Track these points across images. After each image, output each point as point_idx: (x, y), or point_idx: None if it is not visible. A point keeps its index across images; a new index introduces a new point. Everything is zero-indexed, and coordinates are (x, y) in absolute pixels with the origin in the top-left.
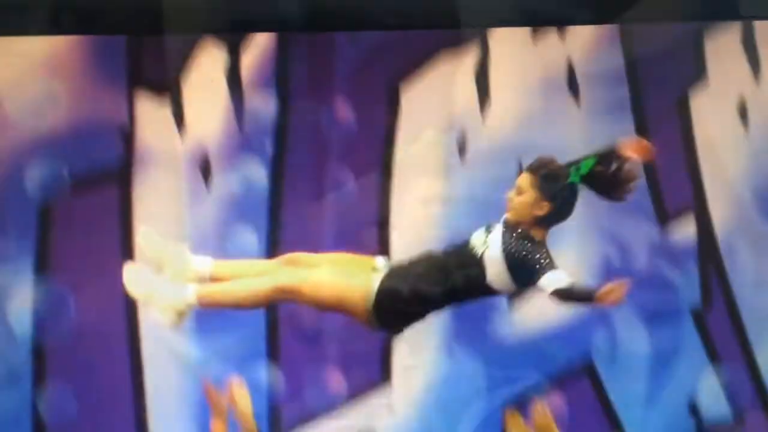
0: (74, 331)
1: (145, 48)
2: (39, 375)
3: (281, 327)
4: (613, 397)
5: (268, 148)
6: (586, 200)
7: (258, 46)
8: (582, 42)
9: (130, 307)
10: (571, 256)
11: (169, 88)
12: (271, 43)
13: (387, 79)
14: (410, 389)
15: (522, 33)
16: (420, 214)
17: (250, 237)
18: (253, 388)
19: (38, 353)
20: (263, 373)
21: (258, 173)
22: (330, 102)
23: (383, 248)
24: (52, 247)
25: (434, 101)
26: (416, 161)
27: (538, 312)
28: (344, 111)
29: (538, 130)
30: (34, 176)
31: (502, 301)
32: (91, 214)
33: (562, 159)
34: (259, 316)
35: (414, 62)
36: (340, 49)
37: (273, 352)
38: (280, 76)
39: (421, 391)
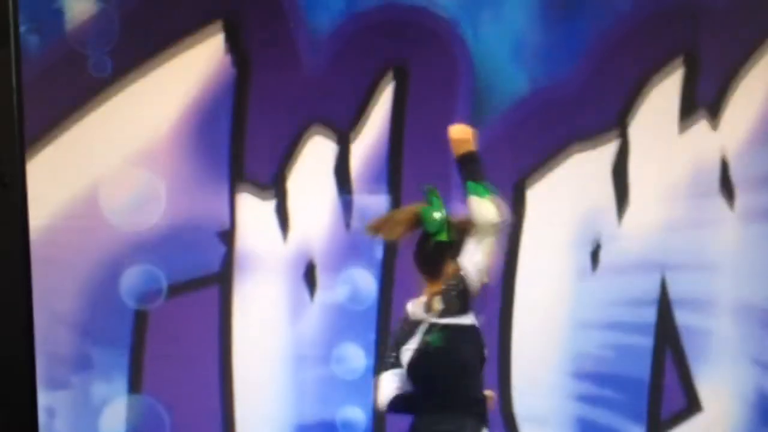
0: None
1: (248, 143)
2: None
3: None
4: None
5: (378, 253)
6: (736, 331)
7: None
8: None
9: (227, 424)
10: (724, 390)
11: (272, 183)
12: (384, 132)
13: (510, 176)
14: None
15: (669, 123)
16: (543, 337)
17: (356, 351)
18: None
19: None
20: None
21: (366, 280)
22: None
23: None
24: (148, 358)
25: (563, 203)
26: (540, 275)
27: None
28: (463, 212)
29: (684, 238)
30: (130, 280)
31: None
32: (189, 322)
33: (714, 274)
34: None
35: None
36: None
37: None
38: (392, 174)
39: None
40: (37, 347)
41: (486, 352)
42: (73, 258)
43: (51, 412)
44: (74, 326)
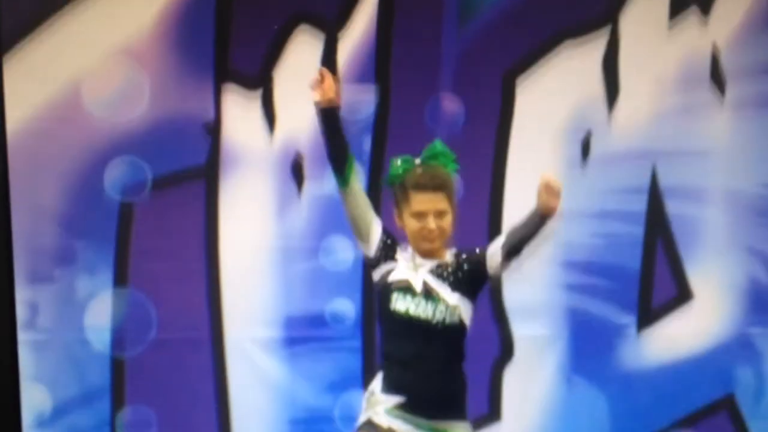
0: (155, 345)
1: (234, 34)
2: (118, 393)
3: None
4: None
5: (366, 146)
6: (730, 219)
7: (357, 34)
8: (729, 27)
9: (214, 317)
10: (715, 278)
11: (259, 81)
12: (371, 29)
13: (501, 70)
14: (522, 423)
15: (658, 15)
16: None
17: (344, 244)
18: (346, 418)
19: (117, 369)
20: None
21: None
22: (435, 94)
23: None
24: (133, 253)
25: (554, 93)
26: (532, 165)
27: (670, 340)
28: (451, 106)
29: (674, 129)
30: (114, 175)
31: (629, 328)
32: (174, 216)
33: (704, 164)
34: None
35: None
36: (447, 35)
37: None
38: (381, 65)
39: (535, 425)
40: (20, 242)
41: None
42: (57, 151)
43: (34, 307)
44: (58, 220)
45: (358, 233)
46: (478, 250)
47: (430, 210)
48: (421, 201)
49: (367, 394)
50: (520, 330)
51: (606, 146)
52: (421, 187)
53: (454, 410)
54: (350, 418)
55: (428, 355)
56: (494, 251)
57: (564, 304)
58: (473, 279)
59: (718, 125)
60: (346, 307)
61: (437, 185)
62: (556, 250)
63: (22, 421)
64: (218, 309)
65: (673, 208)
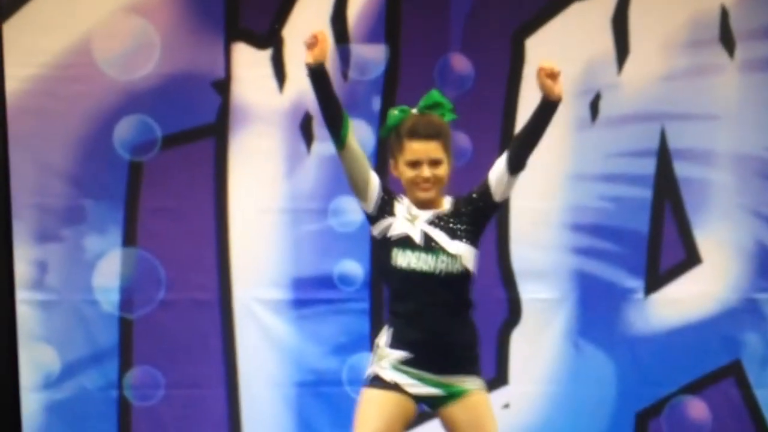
0: (163, 305)
1: None
2: (126, 353)
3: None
4: (762, 403)
5: (376, 105)
6: (739, 182)
7: None
8: None
9: (223, 277)
10: (723, 242)
11: (269, 39)
12: None
13: (510, 30)
14: (529, 387)
15: None
16: (541, 190)
17: (352, 206)
18: (354, 381)
19: (125, 329)
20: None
21: (364, 132)
22: (445, 54)
23: (500, 229)
24: (142, 212)
25: (563, 53)
26: None
27: (677, 304)
28: (461, 65)
29: (683, 91)
30: (123, 133)
31: (636, 292)
32: (183, 176)
33: (712, 127)
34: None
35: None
36: None
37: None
38: (390, 25)
39: (541, 388)
40: (28, 200)
41: None
42: (66, 108)
43: (43, 266)
44: (67, 178)
45: (357, 191)
46: (477, 186)
47: (424, 158)
48: (415, 149)
49: (374, 347)
50: (528, 293)
51: (615, 108)
52: (416, 134)
53: (463, 364)
54: (358, 381)
55: (433, 308)
56: (498, 175)
57: (571, 268)
58: (477, 218)
59: (727, 88)
60: (355, 269)
61: (432, 133)
62: (563, 213)
63: (21, 382)
64: (227, 270)
65: (681, 171)
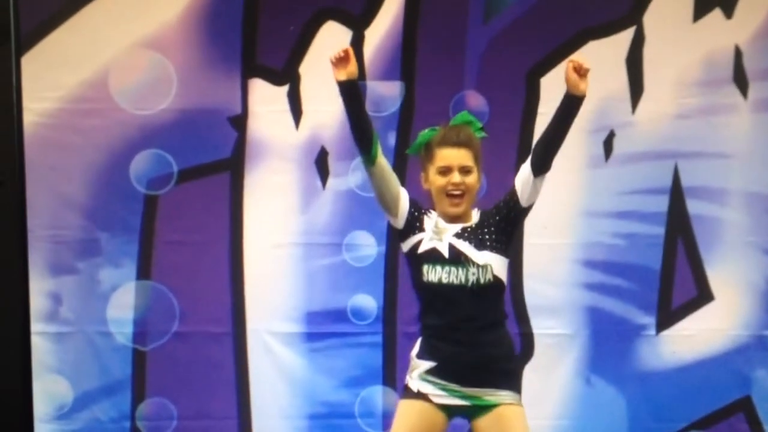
0: (177, 337)
1: (261, 29)
2: (139, 385)
3: (399, 353)
4: None
5: (391, 140)
6: (748, 221)
7: (383, 29)
8: (751, 29)
9: (237, 311)
10: (734, 279)
11: (286, 75)
12: (397, 26)
13: (525, 69)
14: (542, 421)
15: (683, 16)
16: (554, 226)
17: (367, 240)
18: (366, 414)
19: (139, 361)
20: (378, 398)
21: None
22: (460, 91)
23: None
24: (157, 245)
25: None
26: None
27: (688, 341)
28: (476, 102)
29: (696, 130)
30: (139, 167)
31: (648, 328)
32: (198, 210)
33: (725, 165)
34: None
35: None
36: (472, 33)
37: (389, 378)
38: (406, 62)
39: (553, 423)
40: (44, 233)
41: None
42: (83, 142)
43: (57, 299)
44: (83, 211)
45: (386, 207)
46: (504, 195)
47: (455, 164)
48: (446, 156)
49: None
50: (540, 329)
51: (628, 146)
52: (447, 142)
53: (495, 377)
54: (370, 414)
55: (465, 322)
56: (524, 179)
57: (584, 304)
58: (505, 226)
59: (740, 127)
60: (368, 302)
61: (462, 141)
62: (577, 249)
63: (34, 413)
64: (240, 303)
65: (693, 208)
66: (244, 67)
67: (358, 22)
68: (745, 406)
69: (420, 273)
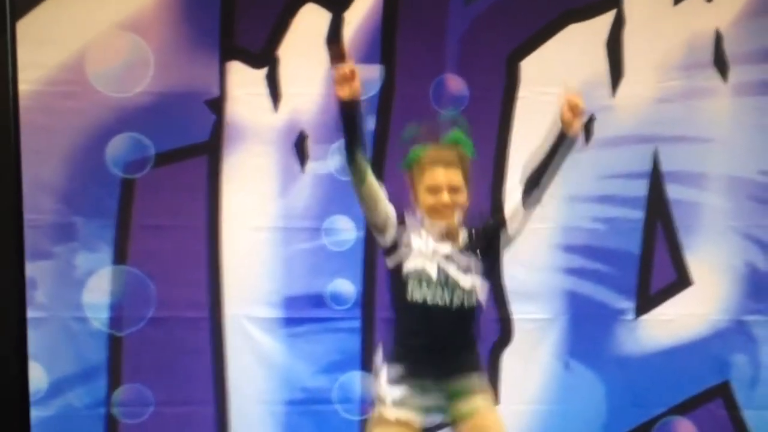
0: (154, 323)
1: (239, 11)
2: (115, 371)
3: (377, 338)
4: (750, 425)
5: (371, 124)
6: (728, 205)
7: (363, 11)
8: (732, 13)
9: (214, 296)
10: (713, 264)
11: (264, 58)
12: (377, 9)
13: (505, 52)
14: (520, 405)
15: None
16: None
17: (345, 224)
18: (345, 399)
19: (115, 347)
20: (356, 383)
21: None
22: (440, 75)
23: None
24: (134, 230)
25: (557, 75)
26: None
27: (667, 325)
28: (456, 85)
29: (676, 113)
30: (116, 151)
31: (627, 313)
32: (176, 194)
33: (705, 149)
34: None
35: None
36: (453, 15)
37: (367, 363)
38: (386, 45)
39: (532, 408)
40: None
41: None
42: (59, 124)
43: (33, 283)
44: (58, 195)
45: (374, 225)
46: (492, 221)
47: (444, 184)
48: (436, 175)
49: (375, 388)
50: (519, 313)
51: (608, 130)
52: (437, 161)
53: (462, 364)
54: (348, 399)
55: (444, 342)
56: (513, 211)
57: (563, 288)
58: (491, 252)
59: (720, 111)
60: (347, 287)
61: (452, 160)
62: (556, 234)
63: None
64: (218, 288)
65: (673, 193)
66: (222, 50)
67: (338, 4)
68: (723, 391)
69: (405, 291)
